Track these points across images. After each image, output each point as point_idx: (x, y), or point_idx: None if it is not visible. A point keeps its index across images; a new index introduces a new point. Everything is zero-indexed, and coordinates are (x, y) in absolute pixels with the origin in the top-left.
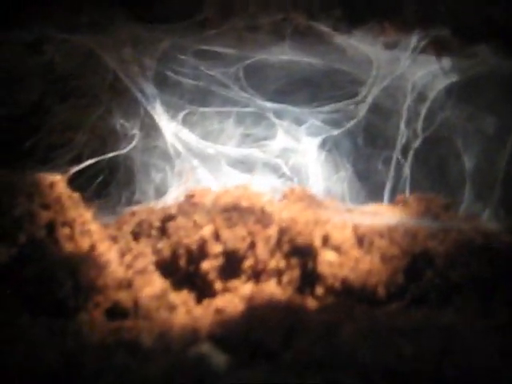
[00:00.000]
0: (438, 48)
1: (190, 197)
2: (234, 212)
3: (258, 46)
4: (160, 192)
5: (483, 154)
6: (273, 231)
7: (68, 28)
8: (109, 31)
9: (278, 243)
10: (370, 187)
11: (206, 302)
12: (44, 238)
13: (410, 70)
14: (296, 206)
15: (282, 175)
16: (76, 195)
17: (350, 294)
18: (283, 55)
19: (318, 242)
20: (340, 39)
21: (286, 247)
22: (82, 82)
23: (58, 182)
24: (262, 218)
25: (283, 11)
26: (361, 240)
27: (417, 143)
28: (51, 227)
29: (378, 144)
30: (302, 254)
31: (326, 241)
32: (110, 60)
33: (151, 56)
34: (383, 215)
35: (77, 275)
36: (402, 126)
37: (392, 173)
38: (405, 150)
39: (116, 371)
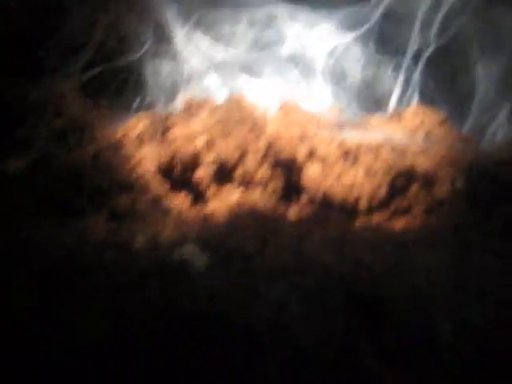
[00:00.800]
0: None
1: (188, 107)
2: (227, 123)
3: None
4: (170, 96)
5: (497, 62)
6: (262, 144)
7: None
8: None
9: (265, 155)
10: (378, 94)
11: (198, 206)
12: (56, 144)
13: None
14: (284, 121)
15: (291, 80)
16: (88, 102)
17: (331, 206)
18: None
19: (302, 156)
20: None
21: (271, 159)
22: None
23: (70, 90)
24: (254, 130)
25: None
26: (346, 155)
27: (429, 51)
28: (62, 134)
29: (389, 50)
30: (285, 166)
31: (310, 155)
32: None
33: None
34: (375, 130)
35: (82, 179)
36: (415, 32)
37: (400, 80)
38: (416, 58)
39: (108, 267)
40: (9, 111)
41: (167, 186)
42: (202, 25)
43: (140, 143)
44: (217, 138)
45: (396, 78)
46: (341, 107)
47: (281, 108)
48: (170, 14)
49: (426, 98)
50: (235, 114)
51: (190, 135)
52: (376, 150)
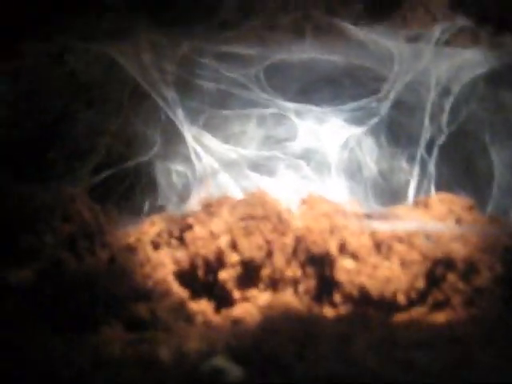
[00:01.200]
0: (462, 39)
1: (206, 206)
2: (250, 220)
3: (278, 45)
4: (183, 197)
5: (511, 147)
6: (289, 240)
7: (89, 37)
8: (129, 38)
9: (294, 252)
10: (394, 186)
11: (224, 311)
12: (65, 251)
13: (433, 64)
14: (311, 214)
15: (305, 176)
16: (97, 207)
17: (368, 302)
18: (304, 54)
19: (334, 250)
20: (361, 34)
21: (301, 256)
22: (105, 89)
23: (78, 194)
24: (279, 226)
25: (303, 8)
26: (379, 246)
27: (442, 139)
28: (72, 240)
29: (402, 142)
30: (317, 262)
31: (342, 248)
32: (131, 67)
33: (171, 61)
34: (403, 219)
35: (96, 289)
36: (426, 121)
37: (417, 171)
38: (429, 147)
39: None
40: (14, 216)
41: (188, 292)
42: (211, 125)
43: (155, 247)
44: (240, 236)
45: (411, 168)
46: (358, 201)
47: (304, 201)
48: (178, 115)
49: (443, 187)
50: (258, 210)
51: (211, 235)
52: (409, 239)
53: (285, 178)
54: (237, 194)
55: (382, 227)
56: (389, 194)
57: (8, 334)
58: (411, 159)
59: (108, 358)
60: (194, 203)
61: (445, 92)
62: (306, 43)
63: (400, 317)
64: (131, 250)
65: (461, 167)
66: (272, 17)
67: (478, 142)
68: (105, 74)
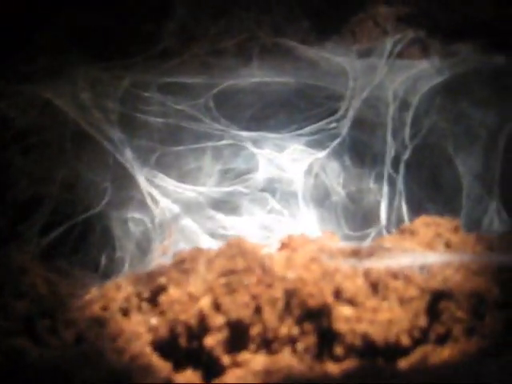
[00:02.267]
0: (414, 51)
1: (178, 262)
2: (231, 275)
3: (225, 70)
4: (142, 247)
5: (475, 155)
6: (278, 293)
7: (21, 79)
8: (64, 77)
9: (287, 307)
10: (365, 208)
11: (215, 381)
12: (21, 335)
13: (388, 77)
14: (299, 260)
15: (271, 210)
16: (53, 276)
17: (373, 350)
18: (253, 77)
19: (329, 299)
20: (311, 52)
21: (296, 311)
22: (43, 135)
23: (29, 263)
24: (264, 277)
25: (246, 30)
26: (375, 286)
27: (406, 154)
28: (28, 321)
29: (367, 161)
30: (315, 315)
31: (338, 295)
32: (70, 108)
33: (113, 97)
34: (392, 251)
35: (66, 379)
36: (389, 137)
37: (386, 190)
38: (395, 163)
39: None
40: None
41: (170, 363)
42: (164, 163)
43: (125, 314)
44: (222, 295)
45: (380, 188)
46: (331, 231)
47: (284, 244)
48: (127, 156)
49: (414, 202)
50: (238, 262)
51: (190, 297)
52: (404, 273)
53: (251, 214)
54: (203, 238)
55: (374, 264)
56: (360, 216)
57: None
58: (379, 178)
59: None
60: (156, 254)
61: (404, 105)
62: (253, 66)
63: (406, 361)
64: (99, 322)
65: (428, 180)
66: (215, 41)
67: (443, 154)
68: (41, 118)
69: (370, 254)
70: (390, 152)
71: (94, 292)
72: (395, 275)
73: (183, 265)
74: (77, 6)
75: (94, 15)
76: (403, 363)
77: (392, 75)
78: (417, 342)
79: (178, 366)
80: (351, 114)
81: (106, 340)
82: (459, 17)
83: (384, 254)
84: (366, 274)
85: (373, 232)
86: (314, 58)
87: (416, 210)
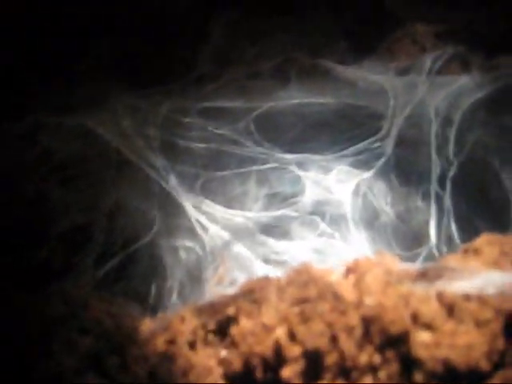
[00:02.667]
0: (454, 67)
1: (247, 292)
2: (304, 304)
3: (263, 93)
4: (194, 275)
5: None
6: (354, 320)
7: (62, 111)
8: (104, 106)
9: (366, 335)
10: (414, 227)
11: None
12: (91, 374)
13: (429, 94)
14: (373, 286)
15: (322, 233)
16: (117, 310)
17: (454, 375)
18: (292, 99)
19: (408, 324)
20: (349, 72)
21: (377, 339)
22: (86, 165)
23: (91, 299)
24: (337, 304)
25: (284, 52)
26: (450, 309)
27: (452, 171)
28: (97, 358)
29: (413, 179)
30: (396, 343)
31: (415, 319)
32: (111, 136)
33: (153, 124)
34: (458, 271)
35: None
36: (434, 155)
37: (434, 208)
38: (442, 181)
39: None
40: (20, 336)
41: None
42: (209, 190)
43: (192, 348)
44: (297, 325)
45: (427, 206)
46: (383, 251)
47: (350, 269)
48: (172, 183)
49: (462, 219)
50: (310, 290)
51: (264, 328)
52: (476, 295)
53: (302, 238)
54: (257, 265)
55: (447, 287)
56: (410, 236)
57: None
58: (426, 196)
59: None
60: (212, 283)
61: (446, 122)
62: (292, 88)
63: None
64: (168, 357)
65: (475, 197)
66: (252, 64)
67: (489, 169)
68: (84, 148)
69: (439, 275)
70: (436, 169)
71: (148, 323)
72: (468, 297)
73: (253, 295)
74: (114, 34)
75: (131, 42)
76: None
77: (433, 92)
78: (496, 366)
79: None
80: (394, 132)
81: (177, 375)
82: (499, 30)
83: (453, 275)
84: (439, 296)
85: (423, 251)
86: (352, 78)
87: (465, 227)
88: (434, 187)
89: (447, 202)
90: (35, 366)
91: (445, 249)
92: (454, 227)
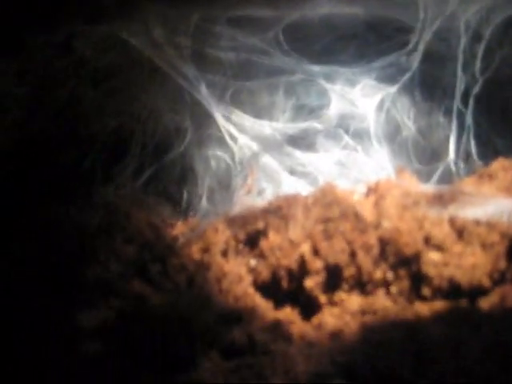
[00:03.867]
0: None
1: (276, 208)
2: (328, 222)
3: (293, 3)
4: (223, 183)
5: None
6: (373, 239)
7: (94, 20)
8: (135, 15)
9: (382, 254)
10: (434, 143)
11: (315, 319)
12: (138, 280)
13: (460, 8)
14: (391, 209)
15: (345, 145)
16: (155, 221)
17: (458, 292)
18: (321, 9)
19: (420, 245)
20: None
21: (391, 258)
22: (118, 73)
23: (132, 209)
24: (357, 224)
25: None
26: (460, 232)
27: (476, 88)
28: (141, 265)
29: (437, 95)
30: (409, 262)
31: (427, 241)
32: (143, 46)
33: (184, 34)
34: (473, 196)
35: (185, 320)
36: (459, 71)
37: (455, 124)
38: (465, 98)
39: None
40: (70, 245)
41: (272, 303)
42: (238, 100)
43: (224, 257)
44: (321, 241)
45: (449, 122)
46: (403, 166)
47: (371, 189)
48: (203, 93)
49: (482, 136)
50: (334, 210)
51: (291, 244)
52: (486, 220)
53: (326, 150)
54: (284, 176)
55: (459, 211)
56: (430, 151)
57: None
58: (448, 112)
59: None
60: (241, 192)
61: (476, 37)
62: None
63: (487, 301)
64: (204, 266)
65: (497, 115)
66: None
67: None
68: (116, 57)
69: (453, 199)
70: (460, 86)
71: (180, 227)
72: (478, 222)
73: (280, 211)
74: None
75: None
76: (484, 303)
77: (464, 5)
78: (495, 283)
79: (278, 305)
80: (421, 47)
81: (212, 282)
82: None
83: (466, 200)
84: (452, 220)
85: (441, 166)
86: None
87: (484, 144)
88: (456, 104)
89: (469, 119)
90: (84, 272)
91: (462, 165)
92: (473, 144)
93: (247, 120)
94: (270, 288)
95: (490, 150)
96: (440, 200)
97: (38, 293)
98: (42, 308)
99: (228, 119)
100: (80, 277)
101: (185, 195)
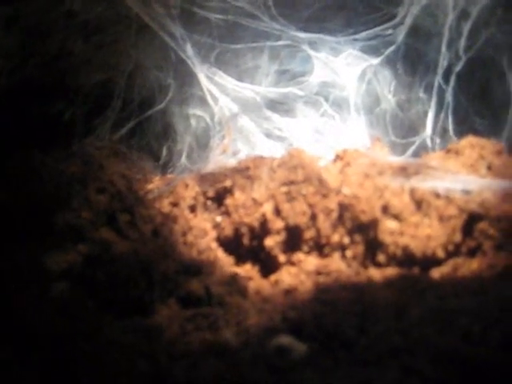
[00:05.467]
0: None
1: (243, 168)
2: (291, 185)
3: None
4: (201, 142)
5: None
6: (333, 204)
7: None
8: None
9: (340, 218)
10: (412, 117)
11: (272, 277)
12: (107, 228)
13: None
14: (353, 177)
15: (324, 113)
16: (129, 173)
17: (411, 261)
18: None
19: (378, 214)
20: None
21: (348, 223)
22: (107, 27)
23: (107, 161)
24: (320, 188)
25: None
26: (418, 204)
27: (459, 66)
28: (111, 215)
29: (419, 70)
30: (365, 229)
31: (385, 210)
32: (132, 2)
33: None
34: (437, 170)
35: (148, 268)
36: (444, 48)
37: (433, 100)
38: (447, 75)
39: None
40: (46, 192)
41: (233, 258)
42: (223, 61)
43: (192, 212)
44: (283, 203)
45: (429, 98)
46: (379, 137)
47: (339, 156)
48: (187, 53)
49: (461, 114)
50: (298, 173)
51: (254, 203)
52: (446, 193)
53: (305, 116)
54: (260, 138)
55: (420, 183)
56: (407, 125)
57: (66, 325)
58: (429, 88)
59: (169, 338)
60: (217, 152)
61: (463, 15)
62: None
63: (439, 271)
64: (171, 218)
65: (477, 94)
66: None
67: (496, 68)
68: (105, 12)
69: (417, 172)
70: (443, 63)
71: (157, 181)
72: (438, 195)
73: (247, 171)
74: None
75: None
76: (436, 273)
77: None
78: (449, 255)
79: (239, 261)
80: (408, 21)
81: (178, 234)
82: None
83: (429, 173)
84: (412, 192)
85: (417, 140)
86: None
87: (462, 122)
88: (438, 80)
89: (448, 96)
90: (57, 218)
91: (438, 141)
92: (450, 121)
93: (229, 82)
94: (233, 244)
95: (467, 128)
96: (404, 172)
97: (11, 236)
98: (13, 251)
99: (211, 80)
100: (52, 222)
101: (164, 151)
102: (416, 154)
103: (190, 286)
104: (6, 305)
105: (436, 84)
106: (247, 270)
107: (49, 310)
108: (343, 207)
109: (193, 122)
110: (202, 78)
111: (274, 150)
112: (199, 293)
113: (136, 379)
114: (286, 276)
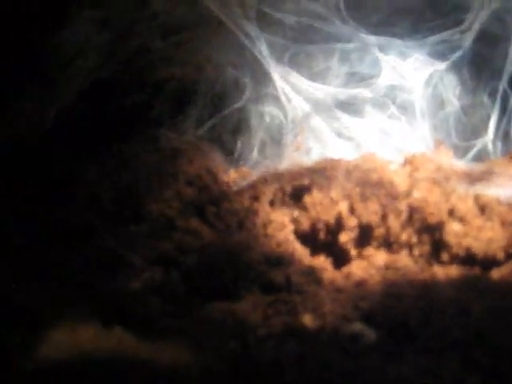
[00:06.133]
0: None
1: (321, 169)
2: (365, 186)
3: None
4: (275, 139)
5: None
6: (403, 206)
7: None
8: None
9: (409, 219)
10: (475, 121)
11: (344, 269)
12: (196, 219)
13: None
14: (422, 182)
15: (391, 115)
16: (215, 167)
17: (473, 261)
18: None
19: (445, 216)
20: None
21: (417, 224)
22: (187, 30)
23: (194, 155)
24: (391, 190)
25: None
26: (482, 209)
27: None
28: (200, 206)
29: (484, 75)
30: (432, 230)
31: (451, 213)
32: (212, 3)
33: None
34: (501, 176)
35: (234, 258)
36: (511, 53)
37: (497, 105)
38: None
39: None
40: (140, 184)
41: (308, 251)
42: (296, 62)
43: (271, 206)
44: (357, 202)
45: (493, 103)
46: (442, 141)
47: (407, 160)
48: (263, 53)
49: None
50: (372, 176)
51: (331, 201)
52: (508, 200)
53: (372, 117)
54: (331, 138)
55: (484, 189)
56: (470, 128)
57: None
58: (493, 93)
59: (254, 321)
60: (290, 149)
61: None
62: None
63: (499, 272)
64: (252, 211)
65: None
66: None
67: None
68: (187, 13)
69: (481, 178)
70: (509, 68)
71: (233, 174)
72: (500, 201)
73: (325, 172)
74: None
75: None
76: (496, 273)
77: None
78: (509, 257)
79: (314, 253)
80: (476, 26)
81: (259, 227)
82: None
83: (492, 180)
84: (476, 197)
85: (479, 144)
86: None
87: None
88: (503, 85)
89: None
90: (150, 208)
91: (500, 145)
92: None
93: (302, 82)
94: (309, 238)
95: None
96: (469, 177)
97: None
98: (110, 235)
99: (285, 80)
100: (146, 211)
101: (238, 145)
102: (477, 157)
103: (272, 275)
104: (102, 287)
105: (500, 89)
106: (321, 262)
107: (142, 291)
108: (413, 209)
109: (267, 119)
110: (276, 77)
111: (343, 149)
112: (280, 281)
113: (228, 355)
114: (357, 269)
